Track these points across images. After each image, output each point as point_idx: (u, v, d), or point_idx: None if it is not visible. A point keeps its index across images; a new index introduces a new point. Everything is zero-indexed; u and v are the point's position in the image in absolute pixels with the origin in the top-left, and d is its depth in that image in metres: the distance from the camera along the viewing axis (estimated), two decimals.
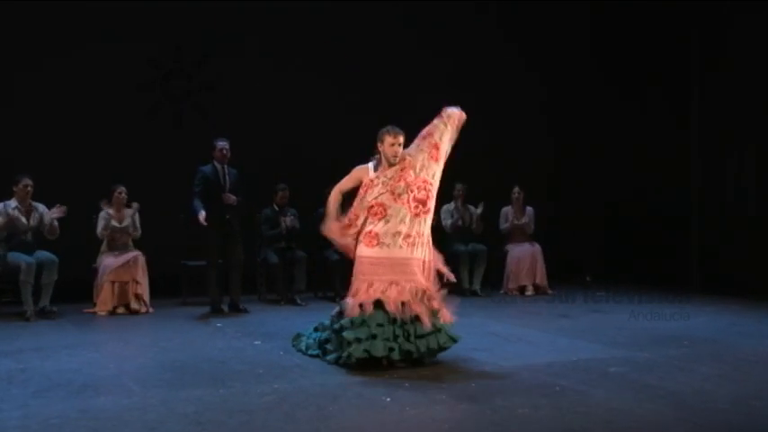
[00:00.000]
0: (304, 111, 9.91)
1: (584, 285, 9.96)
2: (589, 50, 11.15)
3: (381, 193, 5.49)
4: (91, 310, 7.95)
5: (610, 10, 10.85)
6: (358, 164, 5.73)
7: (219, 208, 7.90)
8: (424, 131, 5.61)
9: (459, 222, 9.57)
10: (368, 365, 5.25)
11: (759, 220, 9.21)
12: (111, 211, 8.21)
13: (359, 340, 5.26)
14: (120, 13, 9.31)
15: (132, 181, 8.43)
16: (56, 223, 7.79)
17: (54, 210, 7.73)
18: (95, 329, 7.30)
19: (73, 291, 8.07)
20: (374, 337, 5.26)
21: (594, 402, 4.55)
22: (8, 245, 7.67)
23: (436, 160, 5.55)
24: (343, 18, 10.09)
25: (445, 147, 5.59)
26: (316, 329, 5.94)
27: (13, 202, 7.74)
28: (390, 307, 5.31)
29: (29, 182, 7.74)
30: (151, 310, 8.03)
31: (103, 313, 7.85)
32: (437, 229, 9.45)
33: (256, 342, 6.42)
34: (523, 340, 6.52)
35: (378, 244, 5.44)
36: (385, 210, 5.47)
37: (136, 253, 8.09)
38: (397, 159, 5.51)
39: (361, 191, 5.59)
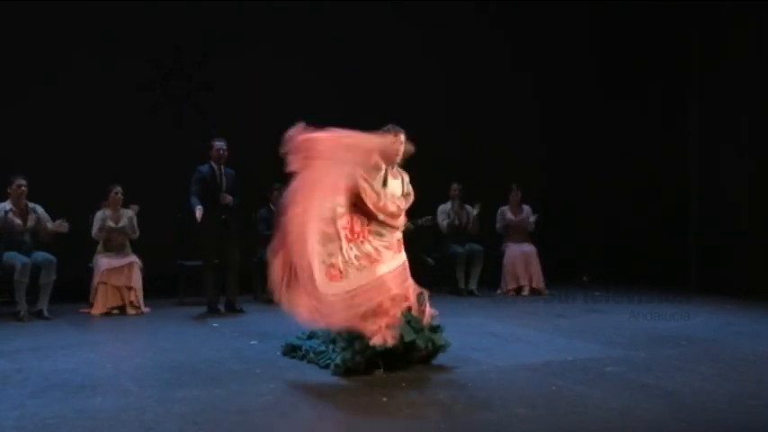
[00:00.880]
0: (304, 111, 9.83)
1: (582, 285, 9.95)
2: (589, 50, 11.14)
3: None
4: (86, 311, 7.94)
5: (610, 10, 10.84)
6: None
7: (216, 208, 7.90)
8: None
9: (456, 222, 9.57)
10: (373, 365, 5.17)
11: (757, 221, 9.20)
12: (107, 211, 8.19)
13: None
14: (119, 13, 9.30)
15: (132, 181, 8.43)
16: (53, 232, 7.72)
17: (57, 223, 7.67)
18: (92, 330, 7.30)
19: (70, 291, 8.05)
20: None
21: (592, 402, 4.55)
22: (4, 246, 7.63)
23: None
24: (343, 18, 10.08)
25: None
26: (310, 337, 5.71)
27: (7, 204, 7.68)
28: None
29: (22, 182, 7.67)
30: (147, 310, 8.01)
31: (98, 314, 7.83)
32: (434, 229, 9.58)
33: (253, 342, 6.42)
34: (521, 340, 6.52)
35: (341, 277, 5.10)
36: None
37: (132, 259, 8.06)
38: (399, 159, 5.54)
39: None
